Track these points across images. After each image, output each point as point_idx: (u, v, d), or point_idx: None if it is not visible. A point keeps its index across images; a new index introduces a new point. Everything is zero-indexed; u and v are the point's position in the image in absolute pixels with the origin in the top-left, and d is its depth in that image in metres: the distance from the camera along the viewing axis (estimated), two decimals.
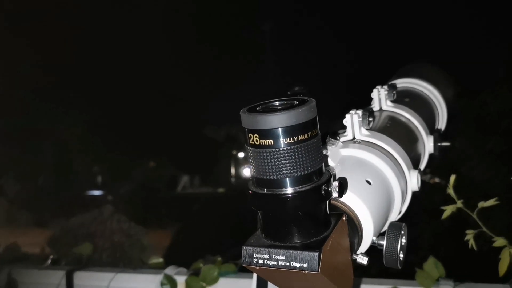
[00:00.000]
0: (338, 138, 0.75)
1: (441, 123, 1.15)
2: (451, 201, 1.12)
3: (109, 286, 1.58)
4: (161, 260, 1.71)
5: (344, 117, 0.81)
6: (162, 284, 1.50)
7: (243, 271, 1.49)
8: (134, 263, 1.91)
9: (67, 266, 1.76)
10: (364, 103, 1.01)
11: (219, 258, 1.51)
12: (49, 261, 1.80)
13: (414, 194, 0.83)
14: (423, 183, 0.85)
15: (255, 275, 0.83)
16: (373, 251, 0.69)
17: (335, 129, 0.85)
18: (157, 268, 1.65)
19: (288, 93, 0.88)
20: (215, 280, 1.46)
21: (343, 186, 0.57)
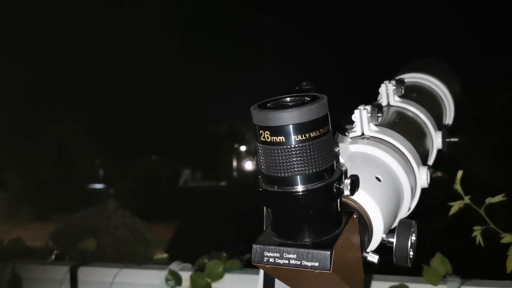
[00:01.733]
0: (346, 134, 0.75)
1: (449, 118, 1.14)
2: (455, 196, 1.11)
3: (114, 282, 1.58)
4: (165, 255, 1.71)
5: (351, 113, 0.80)
6: (167, 280, 1.49)
7: (249, 267, 1.49)
8: (138, 258, 1.91)
9: (71, 262, 1.76)
10: (369, 98, 0.99)
11: (224, 254, 1.51)
12: (53, 256, 1.80)
13: (423, 189, 0.83)
14: (431, 177, 0.84)
15: (261, 271, 0.83)
16: (381, 247, 0.68)
17: (341, 124, 0.84)
18: (162, 264, 1.64)
19: (296, 88, 0.86)
20: (220, 276, 1.46)
21: (355, 183, 0.56)
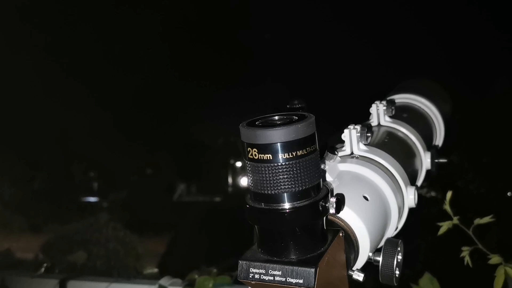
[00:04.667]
0: (336, 152, 0.76)
1: (439, 139, 1.16)
2: (448, 216, 1.12)
3: None
4: (155, 270, 1.70)
5: (343, 132, 0.81)
6: None
7: (239, 283, 1.48)
8: (128, 271, 1.89)
9: (60, 274, 1.75)
10: (362, 118, 1.01)
11: (215, 270, 1.50)
12: (43, 269, 1.79)
13: (412, 209, 0.84)
14: (420, 197, 0.85)
15: None
16: (368, 265, 0.69)
17: (333, 143, 0.85)
18: (152, 279, 1.64)
19: (287, 106, 0.88)
20: None
21: (340, 202, 0.57)
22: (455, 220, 1.07)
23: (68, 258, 1.86)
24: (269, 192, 0.53)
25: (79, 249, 1.99)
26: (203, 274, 1.52)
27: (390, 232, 0.77)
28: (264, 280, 0.54)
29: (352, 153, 0.80)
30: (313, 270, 0.52)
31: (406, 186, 0.81)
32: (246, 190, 0.58)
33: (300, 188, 0.53)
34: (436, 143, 1.15)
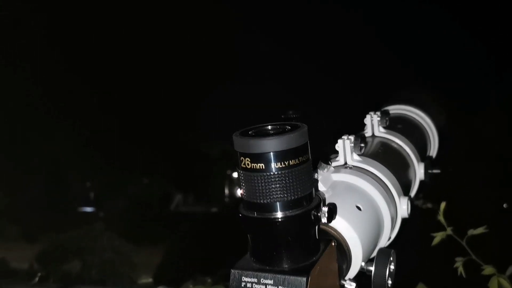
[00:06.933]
0: (329, 163, 0.76)
1: (433, 150, 1.17)
2: (442, 227, 1.12)
3: None
4: (150, 280, 1.70)
5: (337, 142, 0.82)
6: None
7: None
8: (123, 281, 1.89)
9: (55, 284, 1.74)
10: (357, 128, 1.02)
11: (209, 280, 1.50)
12: (37, 278, 1.78)
13: (405, 219, 0.84)
14: (415, 207, 0.86)
15: None
16: (360, 275, 0.69)
17: (327, 154, 0.86)
18: None
19: (282, 116, 0.89)
20: None
21: (332, 211, 0.57)
22: (449, 230, 1.08)
23: (63, 267, 1.85)
24: (261, 201, 0.53)
25: (74, 258, 1.98)
26: (198, 283, 1.51)
27: (383, 242, 0.77)
28: None
29: (345, 163, 0.81)
30: (304, 279, 0.52)
31: (399, 196, 0.81)
32: (239, 199, 0.58)
33: (292, 198, 0.53)
34: (430, 154, 1.16)
